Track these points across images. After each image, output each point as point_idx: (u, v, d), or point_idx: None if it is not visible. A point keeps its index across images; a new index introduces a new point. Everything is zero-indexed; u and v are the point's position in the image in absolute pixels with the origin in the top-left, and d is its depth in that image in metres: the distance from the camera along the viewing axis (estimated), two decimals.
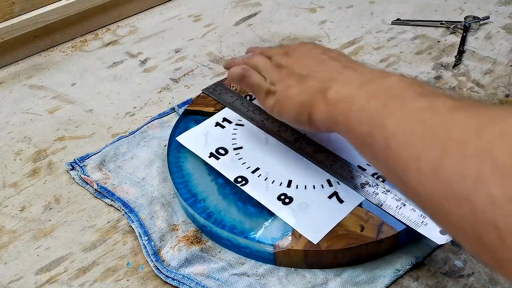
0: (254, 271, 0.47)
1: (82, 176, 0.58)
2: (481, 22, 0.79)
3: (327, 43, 0.78)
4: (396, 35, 0.79)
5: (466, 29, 0.78)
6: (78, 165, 0.59)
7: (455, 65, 0.71)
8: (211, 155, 0.55)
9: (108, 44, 0.82)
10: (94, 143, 0.63)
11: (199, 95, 0.64)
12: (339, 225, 0.47)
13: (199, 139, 0.57)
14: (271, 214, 0.49)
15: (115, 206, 0.54)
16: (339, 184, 0.51)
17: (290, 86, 0.47)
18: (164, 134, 0.62)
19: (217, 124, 0.59)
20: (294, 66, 0.48)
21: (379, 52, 0.76)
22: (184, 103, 0.66)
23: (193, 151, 0.56)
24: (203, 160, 0.55)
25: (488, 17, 0.79)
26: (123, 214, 0.53)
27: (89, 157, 0.59)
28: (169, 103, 0.67)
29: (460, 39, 0.76)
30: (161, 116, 0.65)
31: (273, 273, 0.47)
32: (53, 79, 0.75)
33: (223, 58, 0.77)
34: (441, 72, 0.71)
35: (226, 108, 0.61)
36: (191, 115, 0.61)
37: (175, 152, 0.56)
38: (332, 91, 0.42)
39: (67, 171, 0.59)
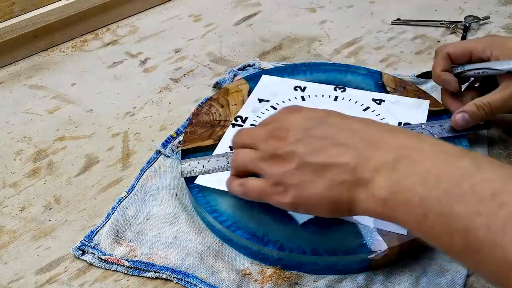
0: (355, 284, 0.46)
1: (103, 257, 0.49)
2: (481, 22, 0.79)
3: (327, 43, 0.78)
4: (396, 35, 0.79)
5: (466, 29, 0.78)
6: (89, 246, 0.50)
7: None
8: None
9: (108, 44, 0.82)
10: (94, 143, 0.63)
11: (186, 132, 0.59)
12: None
13: (219, 175, 0.52)
14: (339, 224, 0.48)
15: (163, 277, 0.48)
16: None
17: (307, 182, 0.40)
18: (167, 182, 0.56)
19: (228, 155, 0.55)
20: (300, 154, 0.40)
21: (379, 52, 0.76)
22: (166, 142, 0.61)
23: (222, 189, 0.51)
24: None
25: (488, 17, 0.79)
26: (176, 282, 0.47)
27: (96, 233, 0.51)
28: (151, 149, 0.61)
29: (460, 39, 0.76)
30: (150, 164, 0.59)
31: (373, 279, 0.46)
32: (53, 79, 0.75)
33: (223, 58, 0.77)
34: None
35: (227, 135, 0.58)
36: (190, 154, 0.56)
37: (202, 198, 0.51)
38: (380, 188, 0.37)
39: (77, 257, 0.50)
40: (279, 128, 0.43)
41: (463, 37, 0.76)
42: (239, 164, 0.46)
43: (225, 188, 0.51)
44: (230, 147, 0.56)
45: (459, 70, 0.57)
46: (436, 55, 0.58)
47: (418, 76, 0.65)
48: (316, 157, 0.40)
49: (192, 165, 0.53)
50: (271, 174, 0.42)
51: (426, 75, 0.64)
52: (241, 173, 0.46)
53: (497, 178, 0.33)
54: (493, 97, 0.53)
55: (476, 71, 0.55)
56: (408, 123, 0.58)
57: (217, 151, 0.56)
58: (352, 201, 0.39)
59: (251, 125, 0.60)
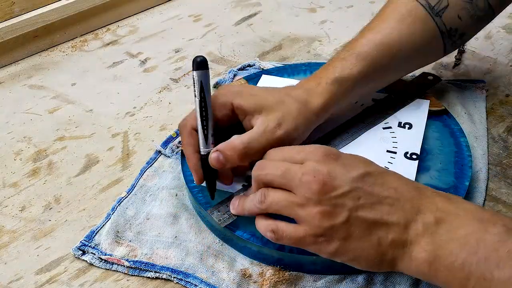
0: (355, 284, 0.46)
1: (104, 257, 0.49)
2: None
3: (327, 43, 0.78)
4: None
5: None
6: (90, 246, 0.50)
7: (455, 65, 0.71)
8: (245, 186, 0.51)
9: (108, 44, 0.82)
10: (94, 143, 0.63)
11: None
12: None
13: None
14: None
15: (163, 277, 0.48)
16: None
17: (355, 238, 0.39)
18: (167, 182, 0.56)
19: None
20: (349, 207, 0.39)
21: None
22: (166, 142, 0.61)
23: (223, 189, 0.51)
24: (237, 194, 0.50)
25: None
26: (177, 282, 0.47)
27: (96, 233, 0.51)
28: (151, 149, 0.61)
29: None
30: (150, 164, 0.59)
31: (373, 280, 0.46)
32: (53, 79, 0.75)
33: (223, 58, 0.77)
34: (441, 72, 0.71)
35: None
36: None
37: (202, 198, 0.51)
38: (417, 248, 0.38)
39: (77, 257, 0.50)
40: (321, 173, 0.40)
41: None
42: (271, 207, 0.42)
43: (225, 188, 0.51)
44: None
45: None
46: (181, 133, 0.52)
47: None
48: (367, 213, 0.39)
49: (223, 210, 0.49)
50: (315, 226, 0.40)
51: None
52: (265, 214, 0.44)
53: None
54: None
55: None
56: (409, 123, 0.58)
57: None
58: (395, 260, 0.40)
59: None
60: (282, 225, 0.42)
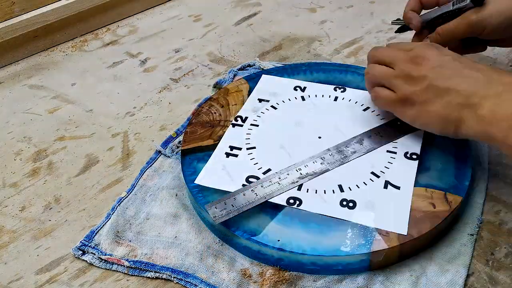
0: (355, 284, 0.46)
1: (104, 257, 0.49)
2: None
3: (327, 43, 0.78)
4: (396, 35, 0.79)
5: None
6: (90, 246, 0.50)
7: None
8: (244, 186, 0.51)
9: (108, 44, 0.82)
10: (94, 143, 0.63)
11: (186, 132, 0.59)
12: (412, 209, 0.48)
13: (219, 175, 0.53)
14: (339, 224, 0.48)
15: (163, 277, 0.48)
16: (383, 173, 0.52)
17: (429, 101, 0.49)
18: (167, 182, 0.56)
19: (228, 154, 0.56)
20: (430, 78, 0.49)
21: None
22: (166, 142, 0.61)
23: (223, 189, 0.51)
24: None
25: None
26: (177, 282, 0.47)
27: (96, 233, 0.51)
28: (151, 149, 0.61)
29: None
30: (150, 164, 0.59)
31: (373, 280, 0.46)
32: (53, 79, 0.75)
33: (223, 58, 0.77)
34: None
35: (227, 135, 0.58)
36: (190, 154, 0.56)
37: (202, 198, 0.51)
38: (484, 109, 0.45)
39: (77, 257, 0.50)
40: (418, 55, 0.51)
41: None
42: (375, 77, 0.54)
43: (224, 188, 0.51)
44: (230, 147, 0.56)
45: (423, 14, 0.63)
46: None
47: (393, 22, 0.68)
48: (442, 82, 0.48)
49: (220, 207, 0.49)
50: (402, 90, 0.51)
51: (398, 21, 0.66)
52: (372, 85, 0.55)
53: None
54: (448, 24, 0.60)
55: (436, 13, 0.61)
56: None
57: (217, 151, 0.56)
58: (459, 120, 0.47)
59: (254, 120, 0.60)
60: (381, 89, 0.53)
